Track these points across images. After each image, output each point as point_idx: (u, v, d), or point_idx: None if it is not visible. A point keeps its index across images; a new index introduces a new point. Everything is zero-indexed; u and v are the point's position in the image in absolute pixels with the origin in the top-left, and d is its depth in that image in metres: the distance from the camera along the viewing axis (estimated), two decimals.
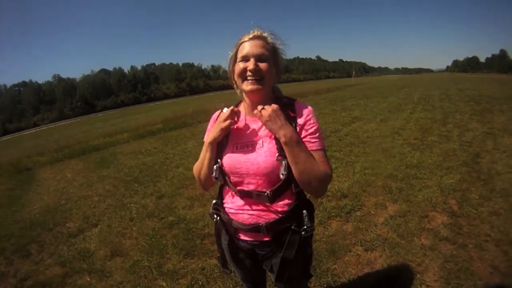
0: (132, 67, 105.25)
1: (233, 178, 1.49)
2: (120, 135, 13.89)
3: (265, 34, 1.44)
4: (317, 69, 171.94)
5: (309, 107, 1.48)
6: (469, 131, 7.58)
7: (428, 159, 5.67)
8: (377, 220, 3.76)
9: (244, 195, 1.47)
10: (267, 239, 1.50)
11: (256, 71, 1.39)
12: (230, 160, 1.47)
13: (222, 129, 1.44)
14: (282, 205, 1.44)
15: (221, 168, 1.50)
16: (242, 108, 1.60)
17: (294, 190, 1.43)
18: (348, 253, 3.16)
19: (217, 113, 1.64)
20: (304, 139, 1.40)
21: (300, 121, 1.43)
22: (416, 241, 3.25)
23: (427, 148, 6.43)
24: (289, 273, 1.50)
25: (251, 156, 1.43)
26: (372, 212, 3.94)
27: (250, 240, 1.54)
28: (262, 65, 1.39)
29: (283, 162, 1.35)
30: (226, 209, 1.57)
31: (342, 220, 3.83)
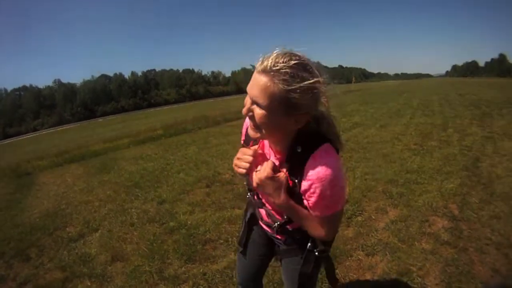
0: (132, 73, 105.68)
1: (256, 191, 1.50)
2: (120, 140, 13.88)
3: (279, 64, 1.03)
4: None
5: (322, 170, 1.15)
6: (469, 136, 7.61)
7: (429, 164, 5.68)
8: (378, 225, 3.76)
9: (262, 205, 1.53)
10: (279, 238, 1.57)
11: (250, 117, 1.16)
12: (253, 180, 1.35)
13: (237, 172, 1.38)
14: (293, 226, 1.47)
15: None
16: None
17: None
18: (349, 258, 3.17)
19: (247, 120, 1.34)
20: (305, 201, 1.26)
21: (304, 184, 1.21)
22: (417, 245, 3.26)
23: (427, 153, 6.45)
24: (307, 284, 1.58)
25: None
26: (373, 217, 3.95)
27: (267, 230, 1.63)
28: (257, 113, 1.11)
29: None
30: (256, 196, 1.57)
31: (343, 225, 3.82)
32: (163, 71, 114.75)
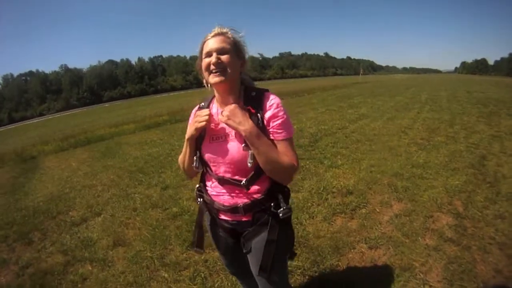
0: (139, 59, 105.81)
1: (212, 167, 1.62)
2: (126, 125, 13.93)
3: (225, 30, 1.54)
4: (325, 65, 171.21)
5: (277, 99, 1.55)
6: (476, 133, 7.53)
7: (435, 160, 5.63)
8: (382, 218, 3.74)
9: (223, 182, 1.60)
10: (246, 219, 1.62)
11: (218, 64, 1.47)
12: (207, 151, 1.61)
13: (197, 129, 1.56)
14: (257, 189, 1.57)
15: (201, 158, 1.66)
16: (215, 100, 1.70)
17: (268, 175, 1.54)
18: (352, 250, 3.15)
19: (195, 108, 1.79)
20: (270, 130, 1.50)
21: (267, 114, 1.51)
22: (420, 241, 3.23)
23: (433, 148, 6.40)
24: (273, 258, 1.60)
25: (223, 147, 1.55)
26: (377, 210, 3.92)
27: (230, 220, 1.67)
28: (224, 57, 1.47)
29: (250, 152, 1.46)
30: (208, 191, 1.71)
31: (347, 217, 3.81)
32: (170, 57, 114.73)
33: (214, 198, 1.67)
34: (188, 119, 1.74)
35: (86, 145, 10.74)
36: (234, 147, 1.52)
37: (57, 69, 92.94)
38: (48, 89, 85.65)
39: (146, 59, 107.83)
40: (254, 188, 1.56)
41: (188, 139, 1.63)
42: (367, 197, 4.28)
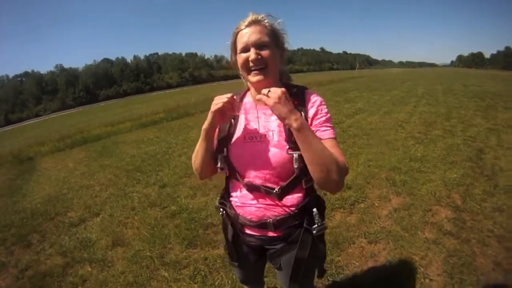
0: (135, 57, 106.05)
1: (241, 171, 1.42)
2: (122, 124, 13.91)
3: (260, 17, 1.33)
4: (321, 60, 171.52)
5: (319, 97, 1.41)
6: (473, 127, 7.54)
7: (432, 153, 5.65)
8: (381, 212, 3.75)
9: (252, 188, 1.41)
10: (275, 235, 1.44)
11: (258, 61, 1.30)
12: (238, 152, 1.41)
13: (214, 112, 1.31)
14: (291, 201, 1.39)
15: (227, 159, 1.43)
16: (249, 95, 1.52)
17: (304, 186, 1.36)
18: (352, 245, 3.16)
19: None
20: (314, 128, 1.32)
21: (310, 111, 1.35)
22: (420, 234, 3.24)
23: (431, 142, 6.41)
24: (303, 272, 1.45)
25: (260, 148, 1.36)
26: (376, 205, 3.93)
27: (257, 235, 1.49)
28: (264, 53, 1.30)
29: (295, 154, 1.27)
30: (232, 202, 1.52)
31: (346, 211, 3.82)
32: (166, 54, 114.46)
33: (239, 211, 1.48)
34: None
35: (83, 145, 10.70)
36: (276, 149, 1.33)
37: (52, 69, 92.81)
38: (44, 89, 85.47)
39: (142, 57, 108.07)
40: (287, 198, 1.38)
41: (204, 129, 1.37)
42: (366, 191, 4.28)
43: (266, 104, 1.22)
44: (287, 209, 1.39)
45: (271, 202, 1.39)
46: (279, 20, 1.37)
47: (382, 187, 4.39)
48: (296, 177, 1.33)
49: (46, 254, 3.72)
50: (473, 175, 4.61)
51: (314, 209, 1.38)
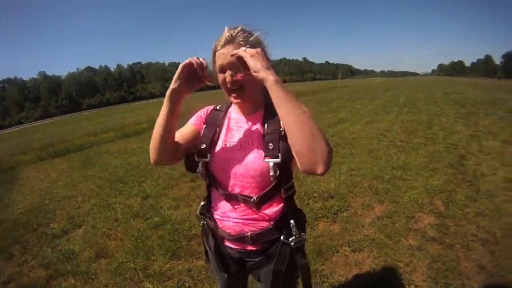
0: (118, 66, 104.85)
1: (220, 178, 1.42)
2: (105, 134, 13.79)
3: (235, 34, 1.31)
4: (304, 70, 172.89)
5: None
6: (454, 134, 7.69)
7: (414, 161, 5.72)
8: (364, 220, 3.77)
9: (229, 198, 1.41)
10: (254, 248, 1.44)
11: (234, 82, 1.32)
12: (218, 158, 1.41)
13: (182, 66, 1.31)
14: (270, 212, 1.38)
15: (209, 166, 1.44)
16: (234, 106, 1.54)
17: (283, 196, 1.35)
18: (336, 254, 3.16)
19: (210, 107, 1.61)
20: None
21: None
22: (403, 241, 3.28)
23: (412, 149, 6.50)
24: (283, 286, 1.44)
25: (239, 155, 1.37)
26: (359, 213, 3.96)
27: (236, 248, 1.48)
28: (239, 75, 1.30)
29: (271, 163, 1.26)
30: (213, 213, 1.52)
31: (329, 221, 3.83)
32: (149, 64, 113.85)
33: (219, 224, 1.48)
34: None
35: (66, 154, 10.55)
36: (254, 157, 1.34)
37: (35, 76, 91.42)
38: (27, 96, 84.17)
39: (125, 66, 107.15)
40: (265, 211, 1.38)
41: (170, 90, 1.36)
42: (349, 200, 4.31)
43: (243, 57, 1.20)
44: (265, 223, 1.39)
45: (249, 216, 1.39)
46: (256, 33, 1.34)
47: (365, 196, 4.42)
48: (275, 186, 1.32)
49: (29, 266, 3.64)
50: (455, 181, 4.69)
51: (292, 221, 1.36)
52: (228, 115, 1.53)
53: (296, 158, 1.18)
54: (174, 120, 1.39)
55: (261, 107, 1.43)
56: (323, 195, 4.46)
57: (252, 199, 1.34)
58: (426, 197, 4.24)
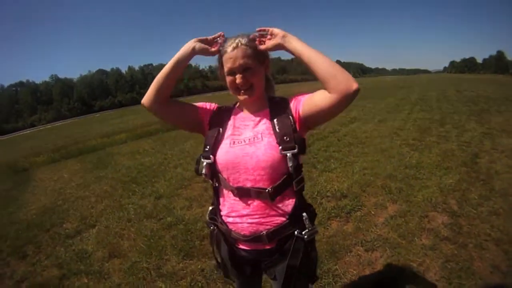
0: (129, 68, 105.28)
1: (230, 176, 1.43)
2: (117, 135, 13.90)
3: (242, 40, 1.41)
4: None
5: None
6: (467, 132, 7.59)
7: (427, 159, 5.67)
8: (377, 220, 3.75)
9: (242, 194, 1.42)
10: (269, 247, 1.45)
11: (244, 83, 1.41)
12: (227, 156, 1.43)
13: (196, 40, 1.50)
14: (283, 207, 1.40)
15: (214, 166, 1.47)
16: (239, 106, 1.61)
17: (295, 189, 1.39)
18: (349, 254, 3.15)
19: (217, 105, 1.67)
20: (307, 100, 1.43)
21: (293, 105, 1.44)
22: (416, 241, 3.24)
23: (425, 148, 6.44)
24: (295, 280, 1.45)
25: (249, 150, 1.39)
26: (372, 212, 3.93)
27: (251, 250, 1.49)
28: (249, 76, 1.41)
29: (288, 154, 1.32)
30: (223, 217, 1.52)
31: (342, 220, 3.81)
32: (160, 65, 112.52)
33: (231, 226, 1.48)
34: None
35: (78, 156, 10.67)
36: (264, 149, 1.37)
37: (47, 79, 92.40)
38: (39, 99, 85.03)
39: (136, 68, 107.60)
40: (279, 204, 1.40)
41: (188, 47, 1.49)
42: (362, 200, 4.28)
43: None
44: (279, 219, 1.41)
45: (263, 212, 1.40)
46: (256, 37, 1.45)
47: (378, 195, 4.39)
48: (287, 178, 1.37)
49: (42, 266, 3.69)
50: (469, 180, 4.63)
51: (304, 214, 1.41)
52: (232, 115, 1.57)
53: (330, 84, 1.31)
54: (176, 72, 1.54)
55: (265, 106, 1.50)
56: (336, 195, 4.44)
57: (266, 190, 1.36)
58: (440, 196, 4.19)
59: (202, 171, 1.47)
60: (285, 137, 1.34)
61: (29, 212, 5.58)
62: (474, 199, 4.04)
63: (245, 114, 1.54)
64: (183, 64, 1.52)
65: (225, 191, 1.50)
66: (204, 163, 1.47)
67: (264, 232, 1.40)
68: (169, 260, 3.40)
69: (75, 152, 11.13)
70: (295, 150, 1.32)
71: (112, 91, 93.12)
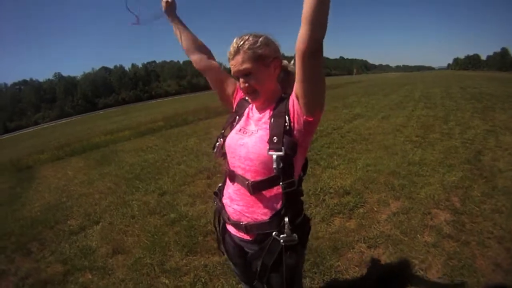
0: (133, 65, 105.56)
1: (230, 159, 1.57)
2: (121, 132, 13.91)
3: (241, 43, 1.41)
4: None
5: None
6: (471, 129, 7.56)
7: (430, 157, 5.66)
8: (380, 217, 3.75)
9: (233, 177, 1.54)
10: (248, 238, 1.53)
11: (247, 88, 1.45)
12: (229, 141, 1.56)
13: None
14: (269, 204, 1.45)
15: (222, 146, 1.61)
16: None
17: (282, 191, 1.40)
18: (351, 250, 3.15)
19: (241, 98, 1.73)
20: (299, 110, 1.35)
21: (290, 102, 1.40)
22: (419, 238, 3.25)
23: (429, 145, 6.42)
24: (271, 281, 1.53)
25: (244, 140, 1.48)
26: (375, 209, 3.93)
27: (235, 235, 1.61)
28: (251, 81, 1.43)
29: (274, 155, 1.33)
30: (222, 196, 1.66)
31: (345, 217, 3.81)
32: (164, 62, 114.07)
33: (224, 207, 1.62)
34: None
35: (82, 153, 10.68)
36: (254, 141, 1.43)
37: (51, 77, 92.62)
38: (43, 97, 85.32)
39: (140, 65, 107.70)
40: (263, 202, 1.45)
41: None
42: (365, 196, 4.28)
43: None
44: (261, 216, 1.46)
45: (247, 204, 1.49)
46: (261, 39, 1.42)
47: (381, 192, 4.39)
48: (273, 177, 1.39)
49: (46, 262, 3.71)
50: (472, 177, 4.62)
51: (286, 219, 1.41)
52: (249, 106, 1.64)
53: (299, 34, 1.17)
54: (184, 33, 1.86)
55: (273, 101, 1.50)
56: (339, 191, 4.44)
57: (247, 182, 1.43)
58: (442, 193, 4.18)
59: (215, 149, 1.64)
60: (274, 138, 1.36)
61: (33, 209, 5.60)
62: (477, 196, 4.02)
63: (256, 108, 1.58)
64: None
65: (225, 171, 1.63)
66: (217, 143, 1.63)
67: (244, 223, 1.50)
68: (173, 256, 3.42)
69: (79, 150, 11.13)
70: (281, 153, 1.33)
71: (116, 88, 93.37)
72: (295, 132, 1.38)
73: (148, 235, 3.93)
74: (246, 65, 1.40)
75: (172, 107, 30.70)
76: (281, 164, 1.34)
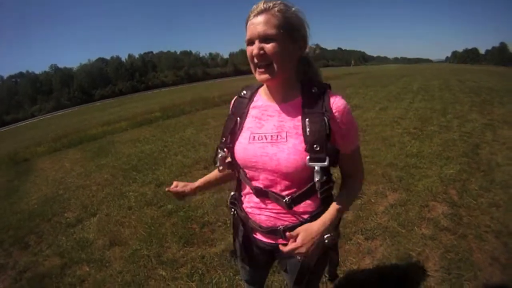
0: (129, 56, 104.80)
1: (249, 172, 1.32)
2: (118, 123, 13.83)
3: (272, 4, 1.13)
4: (316, 57, 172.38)
5: (343, 100, 1.25)
6: (469, 122, 7.55)
7: (428, 149, 5.65)
8: (377, 208, 3.75)
9: (259, 193, 1.31)
10: (286, 242, 1.27)
11: (261, 56, 1.15)
12: (245, 153, 1.29)
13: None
14: (304, 208, 1.28)
15: (233, 159, 1.36)
16: (262, 92, 1.37)
17: (319, 196, 1.25)
18: (349, 242, 3.16)
19: (234, 98, 1.46)
20: (341, 140, 1.21)
21: (337, 117, 1.19)
22: (416, 230, 3.25)
23: (427, 137, 6.42)
24: (308, 278, 1.36)
25: (270, 150, 1.22)
26: (372, 201, 3.93)
27: (267, 242, 1.39)
28: (269, 47, 1.13)
29: (316, 167, 1.14)
30: (243, 204, 1.44)
31: None
32: (161, 53, 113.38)
33: (250, 215, 1.40)
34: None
35: (79, 145, 10.64)
36: (287, 153, 1.18)
37: (47, 69, 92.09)
38: (39, 90, 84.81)
39: (136, 56, 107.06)
40: (300, 206, 1.27)
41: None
42: (362, 188, 4.26)
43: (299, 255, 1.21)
44: (299, 217, 1.29)
45: (281, 209, 1.30)
46: (293, 8, 1.17)
47: (378, 183, 4.39)
48: (311, 187, 1.22)
49: (44, 255, 3.71)
50: (470, 171, 4.62)
51: None
52: (253, 102, 1.37)
53: None
54: (213, 182, 1.70)
55: (296, 93, 1.26)
56: (337, 182, 4.42)
57: (284, 200, 1.24)
58: (440, 186, 4.19)
59: (217, 163, 1.38)
60: (315, 145, 1.13)
61: (30, 202, 5.59)
62: (474, 190, 4.03)
63: (269, 102, 1.31)
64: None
65: (244, 184, 1.41)
66: (220, 155, 1.36)
67: (281, 227, 1.30)
68: (170, 247, 3.42)
69: (76, 141, 11.08)
70: (325, 163, 1.13)
71: (112, 79, 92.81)
72: (335, 136, 1.20)
73: (145, 227, 3.93)
74: (271, 29, 1.12)
75: (169, 97, 30.50)
76: (325, 177, 1.18)
